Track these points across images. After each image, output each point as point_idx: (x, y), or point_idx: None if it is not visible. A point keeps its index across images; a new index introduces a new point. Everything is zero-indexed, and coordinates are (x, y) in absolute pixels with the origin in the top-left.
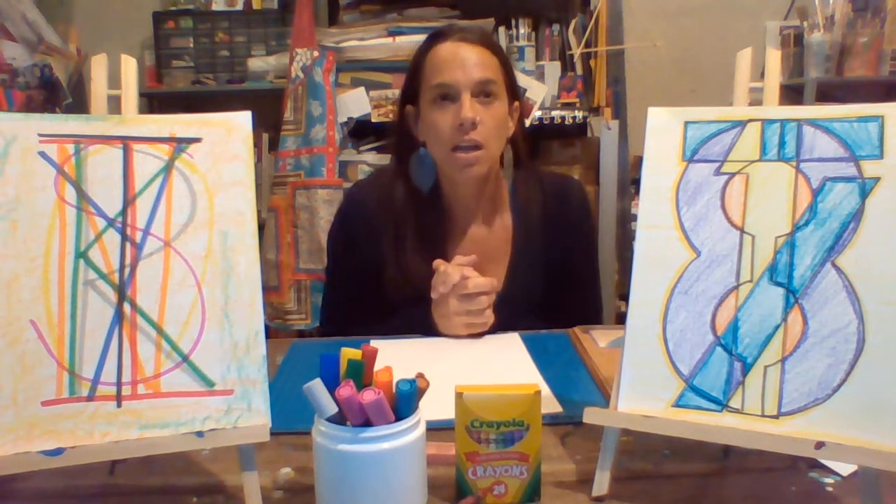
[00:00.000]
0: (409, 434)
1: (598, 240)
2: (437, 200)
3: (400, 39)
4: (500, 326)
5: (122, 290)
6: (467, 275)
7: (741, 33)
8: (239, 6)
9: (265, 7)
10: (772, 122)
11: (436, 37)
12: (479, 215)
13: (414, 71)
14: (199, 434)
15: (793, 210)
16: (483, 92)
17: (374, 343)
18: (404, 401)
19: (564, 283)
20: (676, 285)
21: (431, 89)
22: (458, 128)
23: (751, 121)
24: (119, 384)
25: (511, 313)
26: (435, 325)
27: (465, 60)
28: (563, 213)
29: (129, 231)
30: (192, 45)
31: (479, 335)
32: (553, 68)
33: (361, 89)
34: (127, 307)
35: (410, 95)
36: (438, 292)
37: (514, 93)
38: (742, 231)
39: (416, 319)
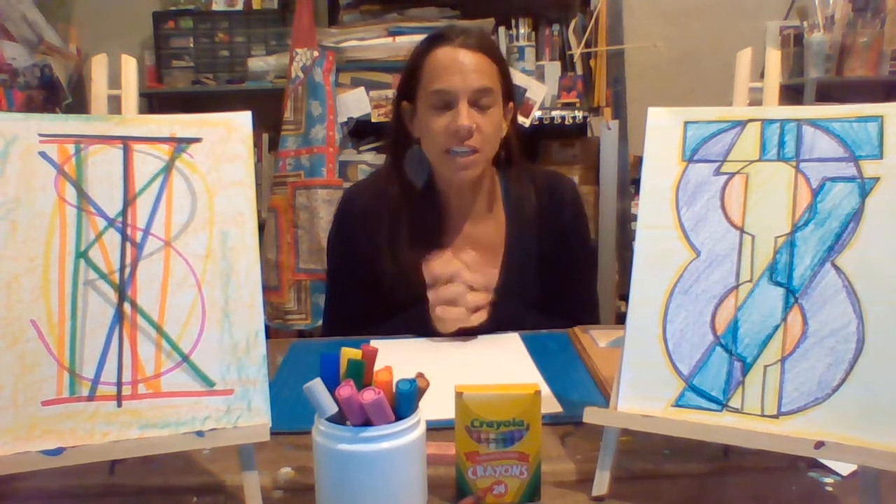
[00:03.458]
0: (409, 434)
1: (590, 235)
2: (432, 196)
3: (400, 39)
4: (498, 322)
5: (123, 290)
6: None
7: (741, 33)
8: (239, 6)
9: (265, 7)
10: (771, 122)
11: (436, 39)
12: (474, 211)
13: (412, 70)
14: (199, 434)
15: (792, 210)
16: (480, 100)
17: (374, 343)
18: (404, 401)
19: (559, 278)
20: (676, 285)
21: (429, 94)
22: (454, 134)
23: (750, 121)
24: (119, 384)
25: (507, 308)
26: (430, 320)
27: (463, 67)
28: (556, 209)
29: (129, 231)
30: (192, 45)
31: (473, 334)
32: (553, 68)
33: (361, 89)
34: (127, 307)
35: (407, 93)
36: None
37: (510, 95)
38: (742, 231)
39: (416, 318)
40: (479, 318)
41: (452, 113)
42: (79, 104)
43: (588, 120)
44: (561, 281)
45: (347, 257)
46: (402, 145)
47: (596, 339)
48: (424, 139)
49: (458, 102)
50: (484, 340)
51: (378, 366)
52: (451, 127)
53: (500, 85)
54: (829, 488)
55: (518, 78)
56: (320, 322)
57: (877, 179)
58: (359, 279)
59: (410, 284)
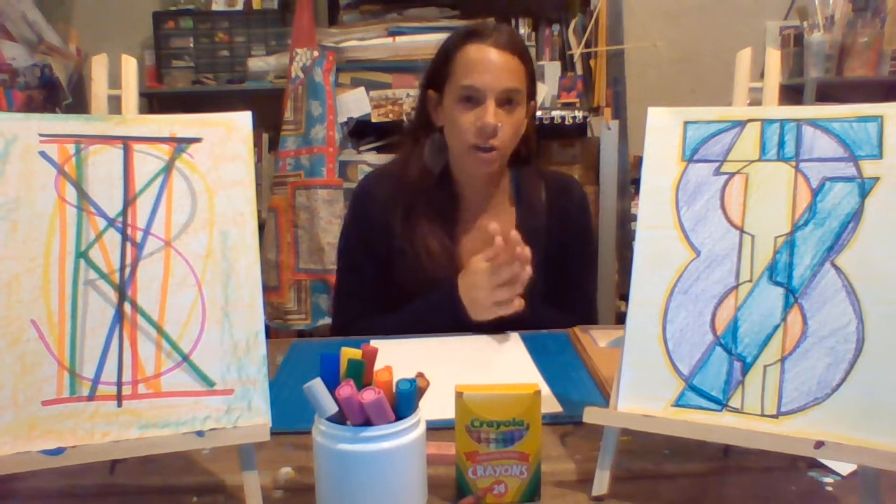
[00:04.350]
0: (409, 434)
1: (594, 237)
2: (448, 183)
3: (400, 39)
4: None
5: (123, 290)
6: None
7: (741, 33)
8: (239, 6)
9: (265, 7)
10: (771, 122)
11: (469, 34)
12: (487, 203)
13: (443, 61)
14: (200, 434)
15: (792, 210)
16: (507, 100)
17: (375, 343)
18: (404, 400)
19: (561, 276)
20: (676, 285)
21: (459, 88)
22: (479, 129)
23: (750, 121)
24: (119, 384)
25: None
26: (461, 306)
27: (493, 66)
28: (564, 207)
29: (129, 231)
30: (192, 45)
31: (500, 327)
32: (553, 68)
33: (361, 89)
34: (127, 307)
35: (434, 82)
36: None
37: (533, 93)
38: (741, 231)
39: (437, 303)
40: (519, 304)
41: (479, 110)
42: (79, 104)
43: (588, 120)
44: (562, 279)
45: (363, 239)
46: (424, 131)
47: (596, 339)
48: (449, 131)
49: (486, 100)
50: (484, 340)
51: (378, 366)
52: (477, 124)
53: (525, 85)
54: (829, 488)
55: None
56: (320, 322)
57: (876, 179)
58: (374, 262)
59: (427, 270)
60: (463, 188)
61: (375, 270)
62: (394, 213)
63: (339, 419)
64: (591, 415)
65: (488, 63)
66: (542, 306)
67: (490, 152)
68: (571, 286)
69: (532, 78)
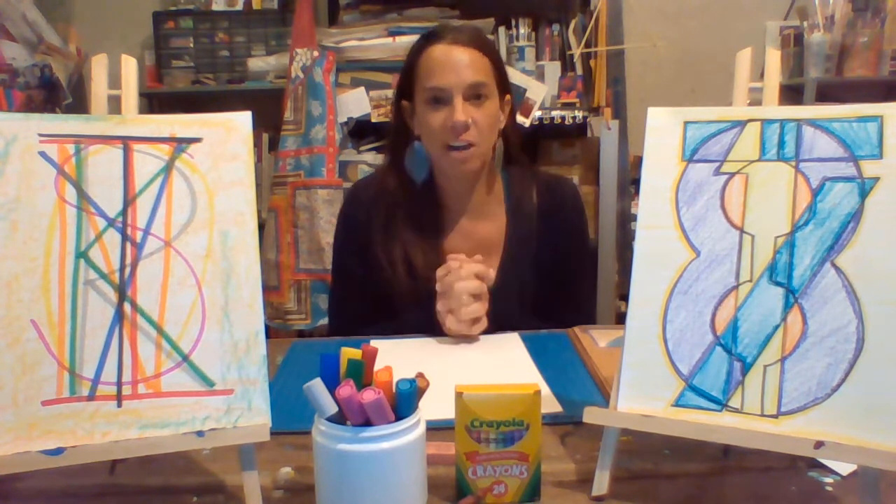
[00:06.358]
0: (409, 434)
1: (589, 239)
2: (431, 192)
3: (400, 39)
4: (493, 320)
5: (123, 290)
6: (454, 266)
7: (741, 33)
8: (239, 6)
9: (265, 7)
10: (771, 122)
11: (429, 38)
12: (473, 208)
13: (408, 70)
14: (200, 434)
15: (792, 210)
16: (474, 94)
17: (374, 343)
18: (404, 400)
19: (555, 280)
20: (676, 285)
21: (425, 91)
22: (451, 129)
23: (750, 121)
24: (119, 384)
25: (504, 307)
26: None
27: (456, 64)
28: (557, 210)
29: (129, 231)
30: (192, 45)
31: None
32: (553, 68)
33: (361, 89)
34: (127, 307)
35: (406, 92)
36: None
37: (505, 87)
38: (741, 231)
39: (422, 317)
40: (480, 328)
41: (448, 109)
42: (79, 104)
43: (588, 120)
44: (557, 283)
45: (351, 249)
46: (403, 142)
47: (596, 339)
48: (424, 136)
49: (454, 98)
50: (484, 340)
51: (378, 366)
52: (447, 122)
53: (493, 78)
54: (829, 488)
55: (518, 78)
56: (320, 322)
57: (876, 179)
58: (362, 271)
59: (411, 281)
60: (446, 194)
61: (365, 274)
62: (378, 224)
63: (339, 419)
64: (591, 415)
65: (450, 61)
66: (524, 318)
67: (466, 150)
68: (567, 289)
69: (500, 70)
